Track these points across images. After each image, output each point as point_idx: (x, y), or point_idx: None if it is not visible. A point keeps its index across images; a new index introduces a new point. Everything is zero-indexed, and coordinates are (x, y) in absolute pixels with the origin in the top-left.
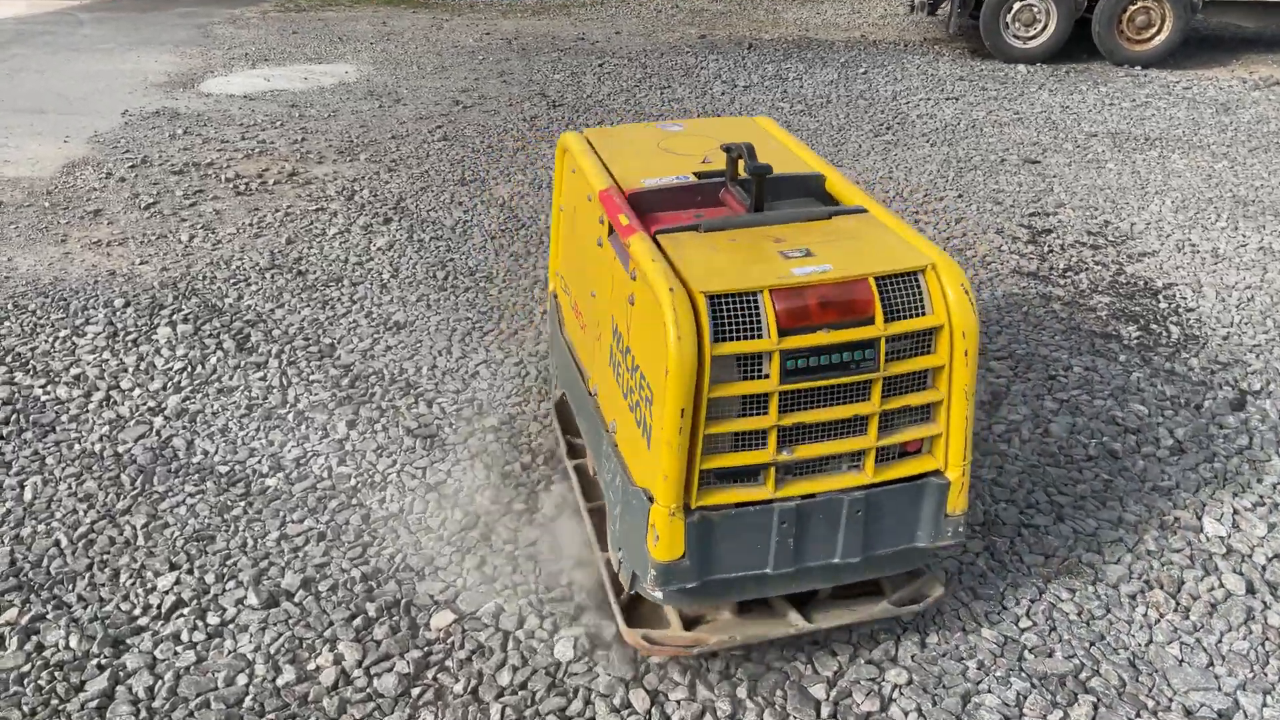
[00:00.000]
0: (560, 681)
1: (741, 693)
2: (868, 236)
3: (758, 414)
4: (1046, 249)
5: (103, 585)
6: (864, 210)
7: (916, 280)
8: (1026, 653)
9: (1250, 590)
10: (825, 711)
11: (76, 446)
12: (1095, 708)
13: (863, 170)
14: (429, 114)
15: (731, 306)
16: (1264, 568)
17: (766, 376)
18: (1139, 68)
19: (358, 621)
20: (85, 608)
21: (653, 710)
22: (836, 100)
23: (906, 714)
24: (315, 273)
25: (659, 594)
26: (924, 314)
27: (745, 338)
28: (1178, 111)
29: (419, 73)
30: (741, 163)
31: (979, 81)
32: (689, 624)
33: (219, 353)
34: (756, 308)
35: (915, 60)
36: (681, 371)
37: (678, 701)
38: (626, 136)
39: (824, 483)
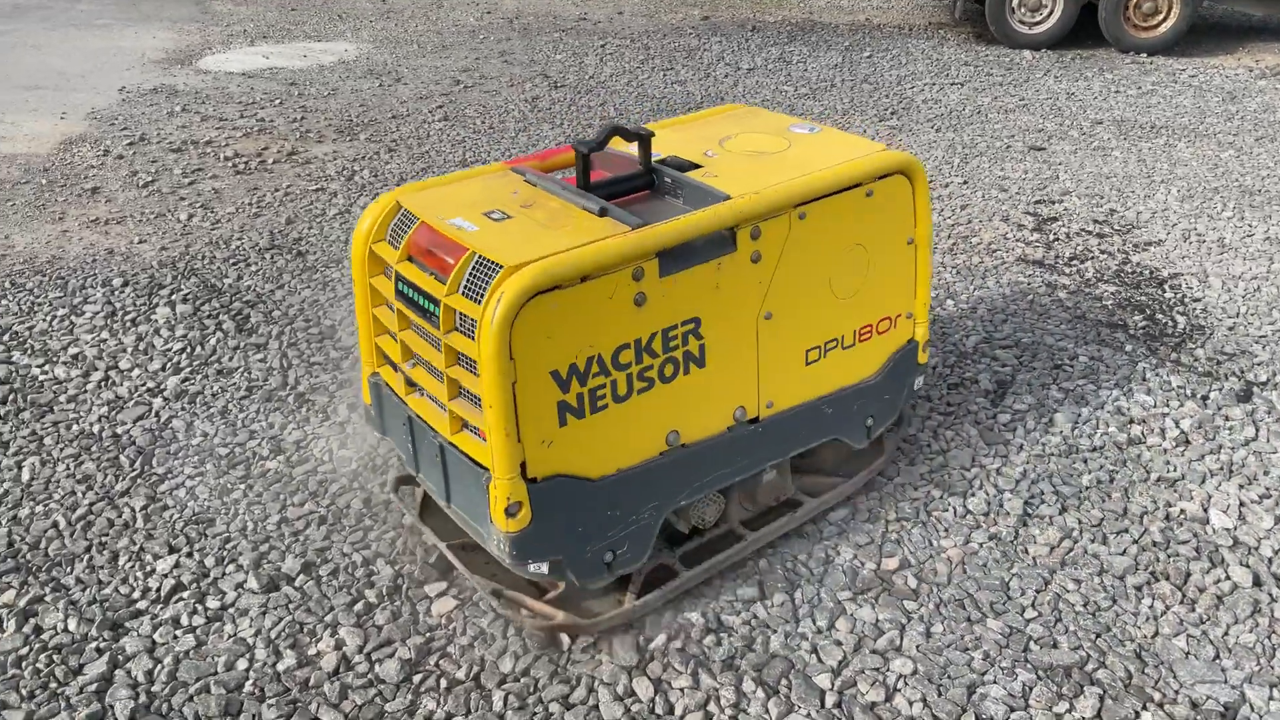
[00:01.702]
0: (563, 669)
1: (747, 682)
2: (567, 230)
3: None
4: (1052, 237)
5: (101, 568)
6: (640, 224)
7: (491, 272)
8: (1032, 643)
9: (1257, 583)
10: (830, 700)
11: (75, 427)
12: (1101, 699)
13: None
14: (429, 93)
15: (406, 222)
16: (1270, 560)
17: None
18: (1145, 55)
19: (359, 607)
20: (84, 590)
21: (656, 699)
22: (841, 84)
23: (911, 704)
24: (315, 254)
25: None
26: (478, 303)
27: (395, 249)
28: (1184, 99)
29: (419, 51)
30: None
31: (984, 67)
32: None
33: (219, 333)
34: (408, 230)
35: (920, 45)
36: (352, 252)
37: (681, 690)
38: (739, 121)
39: (429, 412)
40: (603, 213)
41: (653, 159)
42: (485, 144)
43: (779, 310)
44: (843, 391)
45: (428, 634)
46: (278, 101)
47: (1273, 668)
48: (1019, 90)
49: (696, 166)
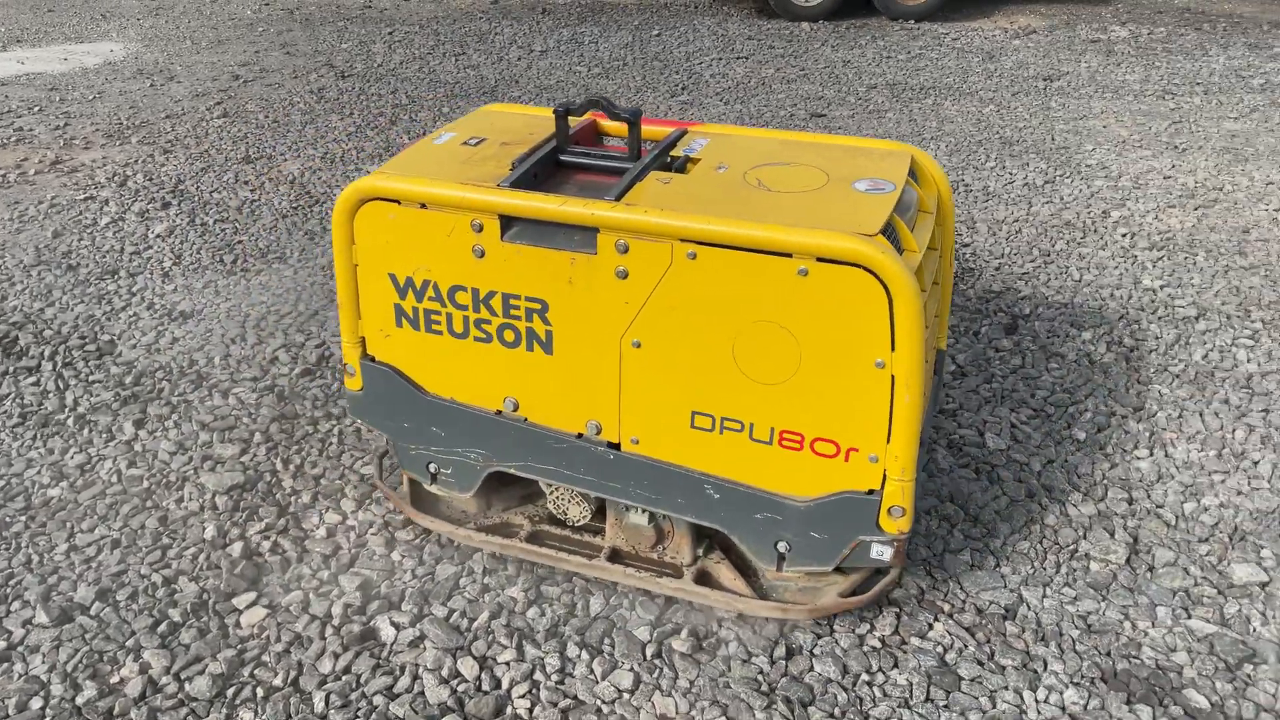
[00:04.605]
0: (385, 661)
1: (571, 647)
2: (472, 167)
3: None
4: None
5: None
6: (506, 186)
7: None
8: None
9: (1030, 495)
10: (650, 651)
11: None
12: (898, 617)
13: None
14: (206, 91)
15: None
16: (1039, 473)
17: None
18: (913, 21)
19: (162, 628)
20: None
21: (482, 675)
22: (633, 63)
23: (726, 644)
24: (88, 266)
25: None
26: None
27: None
28: (948, 61)
29: (193, 48)
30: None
31: (767, 40)
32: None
33: None
34: None
35: (706, 21)
36: None
37: (506, 664)
38: (841, 157)
39: None
40: (512, 166)
41: (640, 147)
42: (270, 138)
43: (651, 346)
44: (739, 486)
45: (239, 646)
46: (37, 109)
47: (1044, 569)
48: (799, 61)
49: (679, 170)
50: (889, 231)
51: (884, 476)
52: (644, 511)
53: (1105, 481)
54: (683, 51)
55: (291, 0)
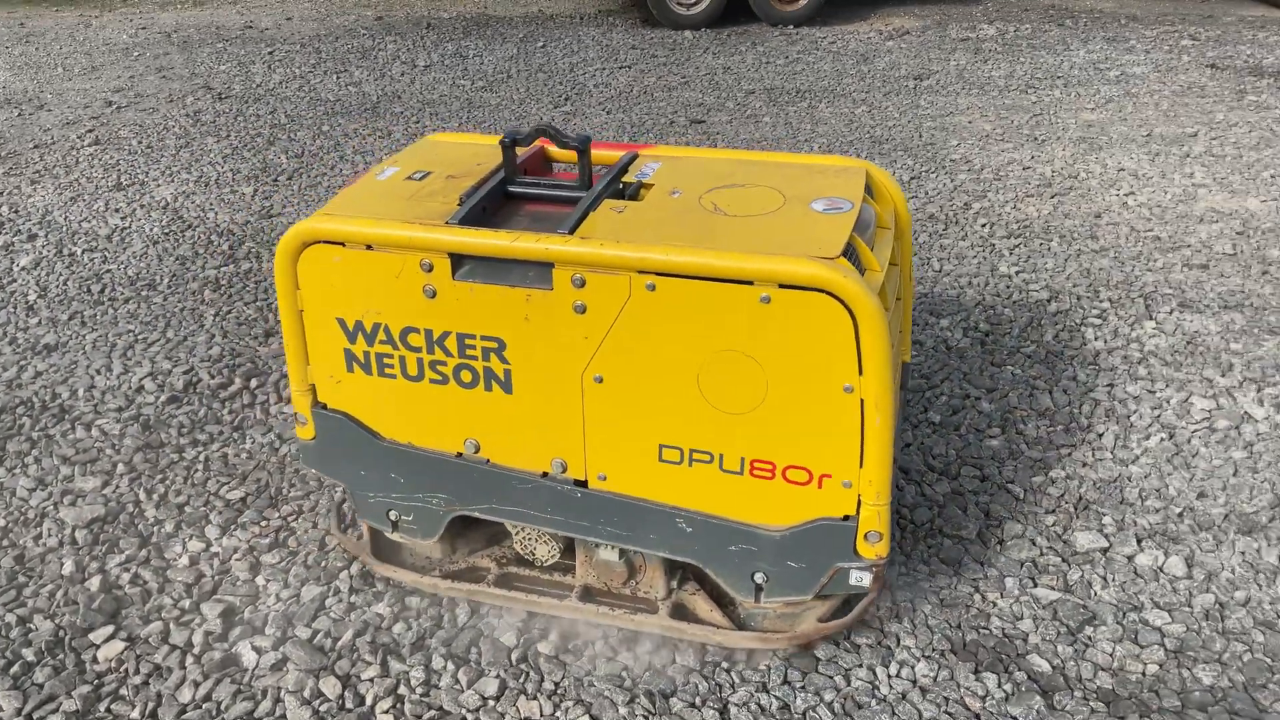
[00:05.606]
0: (246, 686)
1: (436, 659)
2: (417, 203)
3: None
4: None
5: None
6: (453, 223)
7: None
8: None
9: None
10: (516, 656)
11: None
12: None
13: None
14: (77, 118)
15: None
16: (896, 457)
17: None
18: (791, 26)
19: (15, 668)
20: None
21: (345, 694)
22: (517, 75)
23: (593, 644)
24: None
25: None
26: None
27: None
28: (824, 64)
29: (65, 75)
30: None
31: (649, 49)
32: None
33: None
34: None
35: (591, 32)
36: None
37: (370, 680)
38: (798, 177)
39: None
40: (460, 201)
41: (591, 175)
42: (143, 164)
43: (614, 380)
44: (712, 519)
45: (95, 681)
46: None
47: (901, 548)
48: (681, 69)
49: (632, 196)
50: (850, 253)
51: (859, 501)
52: (614, 547)
53: (959, 461)
54: (567, 63)
55: (169, 23)
